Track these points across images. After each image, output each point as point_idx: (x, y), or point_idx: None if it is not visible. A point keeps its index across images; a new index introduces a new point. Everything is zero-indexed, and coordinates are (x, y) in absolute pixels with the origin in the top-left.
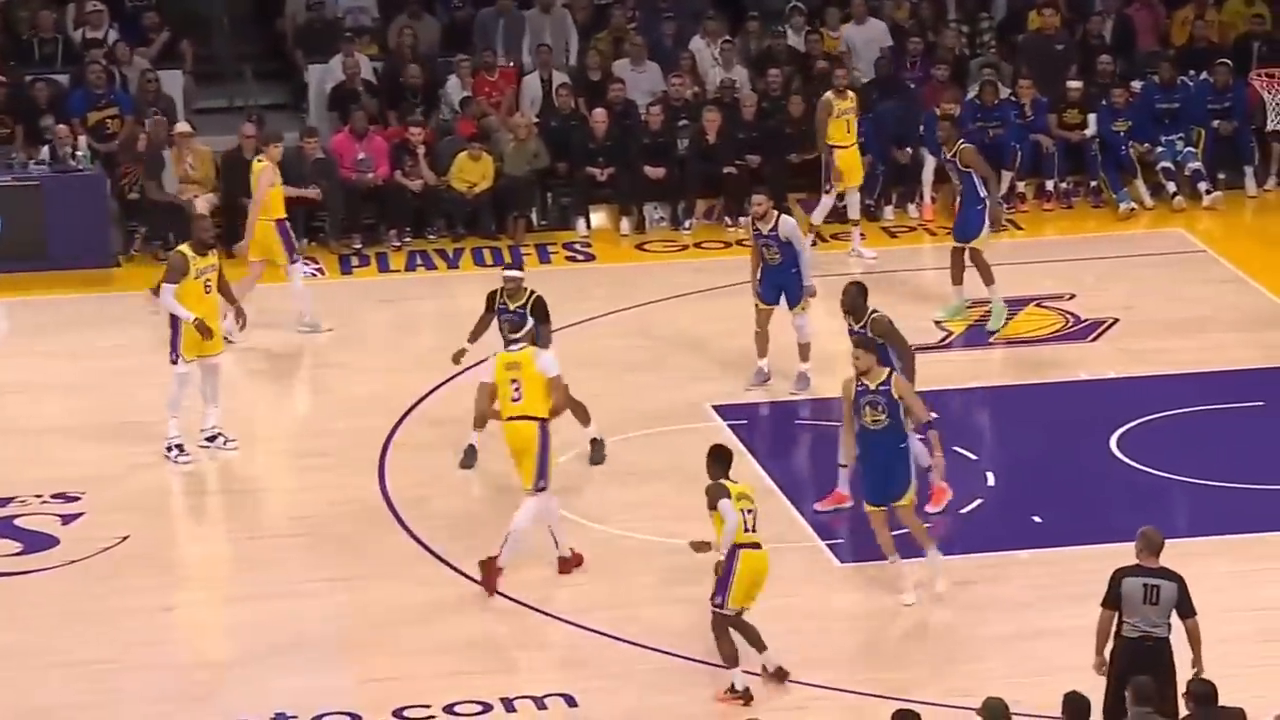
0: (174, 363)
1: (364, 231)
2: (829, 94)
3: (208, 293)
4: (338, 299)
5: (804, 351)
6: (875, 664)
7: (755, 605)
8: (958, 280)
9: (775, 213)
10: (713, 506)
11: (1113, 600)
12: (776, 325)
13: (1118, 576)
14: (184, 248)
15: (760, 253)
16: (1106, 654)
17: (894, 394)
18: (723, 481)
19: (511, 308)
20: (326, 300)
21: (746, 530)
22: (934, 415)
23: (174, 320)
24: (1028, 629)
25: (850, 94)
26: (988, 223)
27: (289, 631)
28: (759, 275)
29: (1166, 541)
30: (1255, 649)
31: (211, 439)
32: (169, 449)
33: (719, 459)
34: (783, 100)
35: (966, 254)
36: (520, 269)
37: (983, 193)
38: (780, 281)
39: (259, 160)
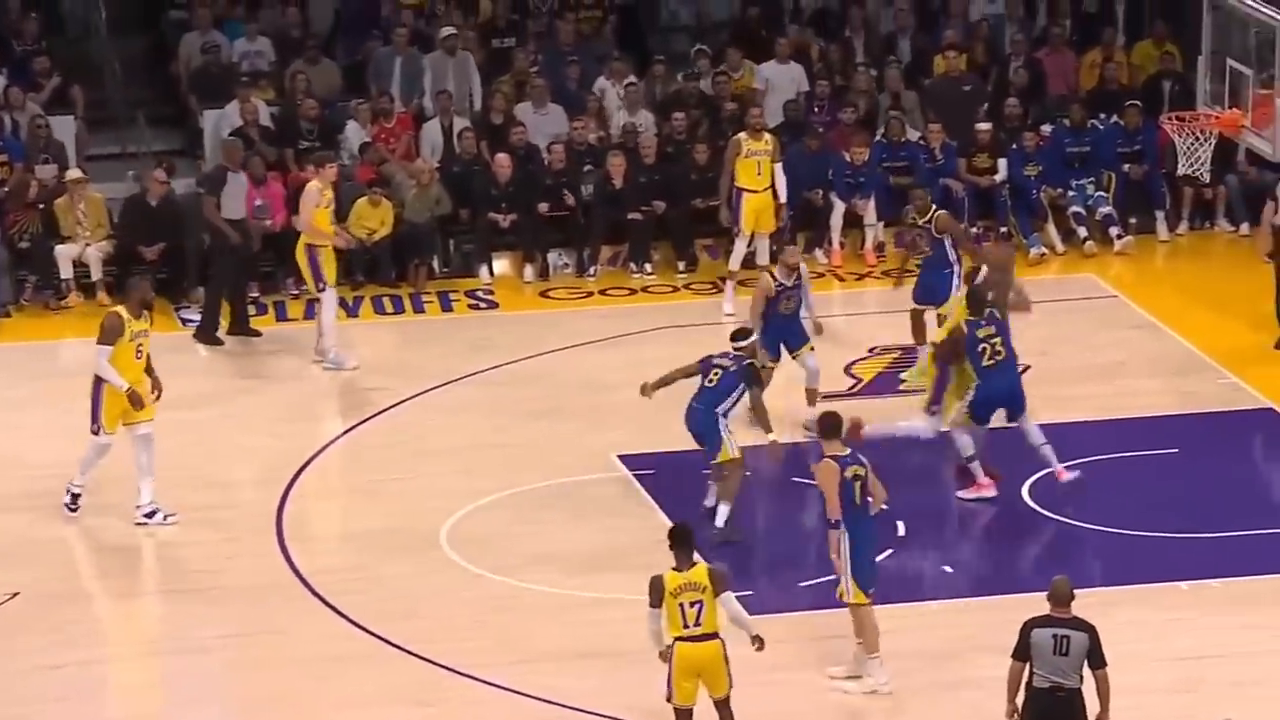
0: (95, 433)
1: (261, 280)
2: (741, 134)
3: (138, 358)
4: (234, 349)
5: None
6: (792, 716)
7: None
8: (920, 340)
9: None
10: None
11: (1022, 651)
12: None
13: (1028, 627)
14: (120, 309)
15: (774, 306)
16: (1019, 703)
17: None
18: (662, 574)
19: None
20: (223, 350)
21: (685, 625)
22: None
23: (97, 386)
24: (942, 680)
25: (766, 136)
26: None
27: (187, 688)
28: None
29: (1079, 591)
30: (1170, 700)
31: (150, 515)
32: (69, 493)
33: (671, 540)
34: (687, 144)
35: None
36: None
37: (953, 258)
38: (783, 333)
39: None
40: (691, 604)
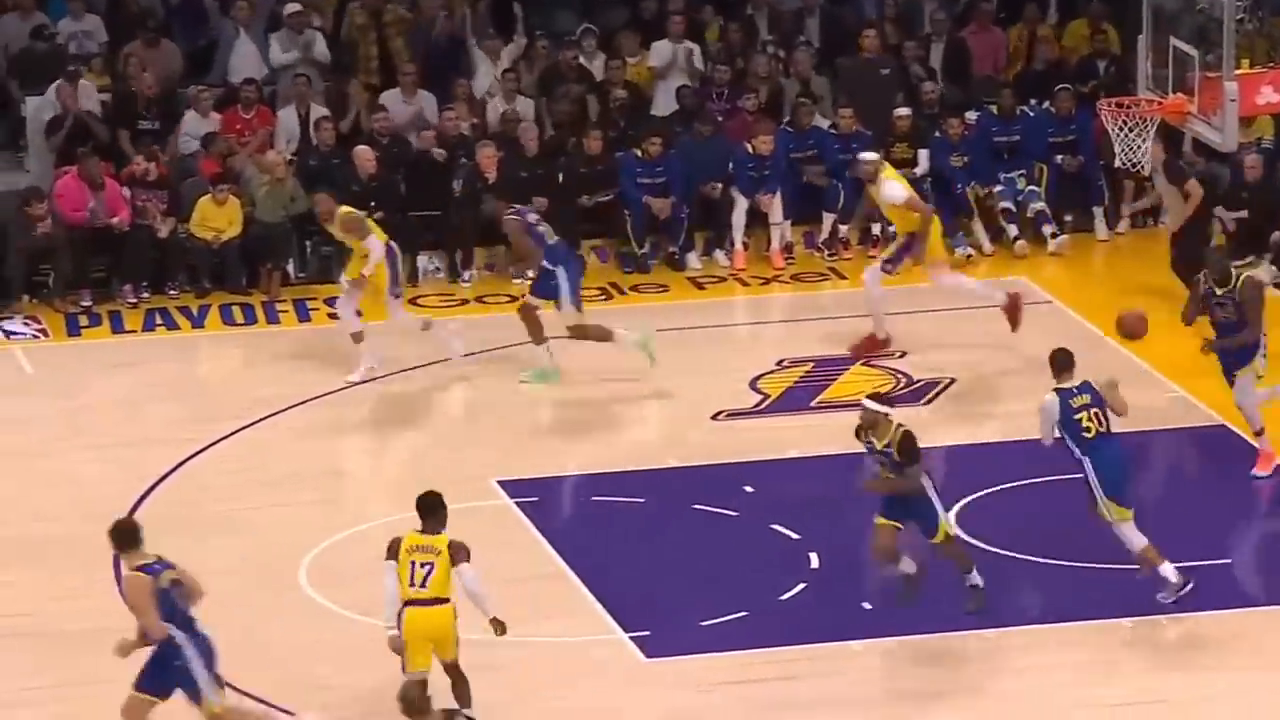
0: None
1: (94, 287)
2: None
3: None
4: (63, 364)
5: None
6: None
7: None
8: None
9: None
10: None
11: None
12: None
13: None
14: None
15: None
16: None
17: None
18: (401, 535)
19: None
20: (50, 366)
21: (412, 584)
22: None
23: None
24: None
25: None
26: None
27: None
28: None
29: (1010, 628)
30: None
31: None
32: None
33: (420, 508)
34: (572, 133)
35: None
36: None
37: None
38: None
39: None
40: (422, 564)
